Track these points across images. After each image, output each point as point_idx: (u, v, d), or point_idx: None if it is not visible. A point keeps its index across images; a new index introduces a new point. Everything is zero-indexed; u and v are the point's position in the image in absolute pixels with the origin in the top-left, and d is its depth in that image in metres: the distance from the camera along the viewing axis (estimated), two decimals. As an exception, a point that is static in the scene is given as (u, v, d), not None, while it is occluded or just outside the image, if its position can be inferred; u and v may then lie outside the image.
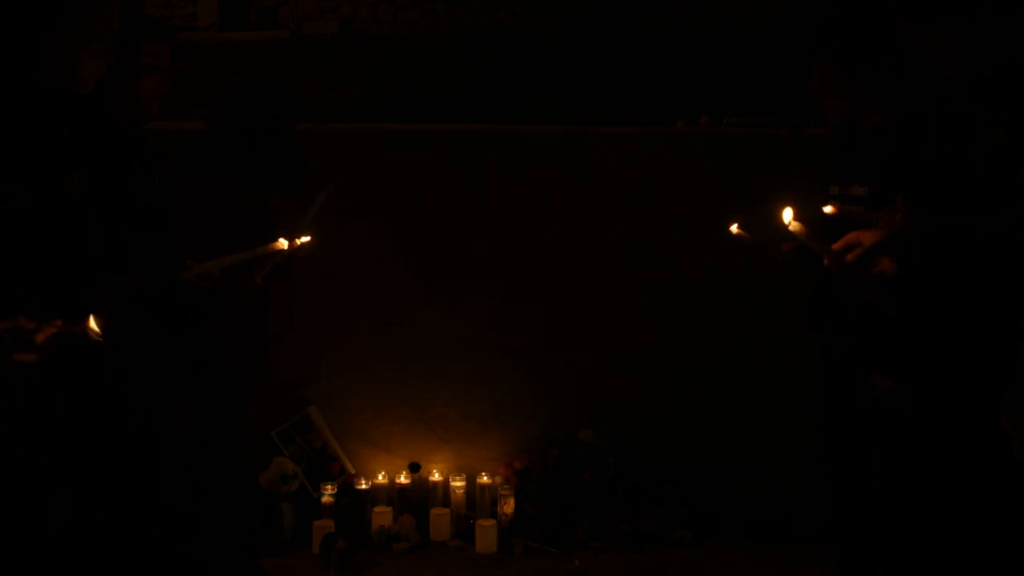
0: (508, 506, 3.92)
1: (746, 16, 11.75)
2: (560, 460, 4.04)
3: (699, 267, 4.10)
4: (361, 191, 4.09)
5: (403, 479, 4.07)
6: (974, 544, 2.24)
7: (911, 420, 2.48)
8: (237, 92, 3.31)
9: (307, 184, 3.30)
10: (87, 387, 2.15)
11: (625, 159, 4.18)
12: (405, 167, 4.11)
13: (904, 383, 2.57)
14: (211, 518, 3.16)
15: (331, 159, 4.09)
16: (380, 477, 4.09)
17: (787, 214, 2.12)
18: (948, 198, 2.27)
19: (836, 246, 2.14)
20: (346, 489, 3.98)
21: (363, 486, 4.01)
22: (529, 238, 4.12)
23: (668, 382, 4.14)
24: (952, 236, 2.14)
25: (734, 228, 2.62)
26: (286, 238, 2.52)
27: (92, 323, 1.80)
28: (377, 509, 3.98)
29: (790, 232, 2.13)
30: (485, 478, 4.05)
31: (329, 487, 3.94)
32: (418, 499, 4.06)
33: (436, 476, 4.10)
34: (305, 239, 2.60)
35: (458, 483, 4.06)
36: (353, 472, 4.09)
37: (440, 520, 3.98)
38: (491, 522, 3.92)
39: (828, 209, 2.53)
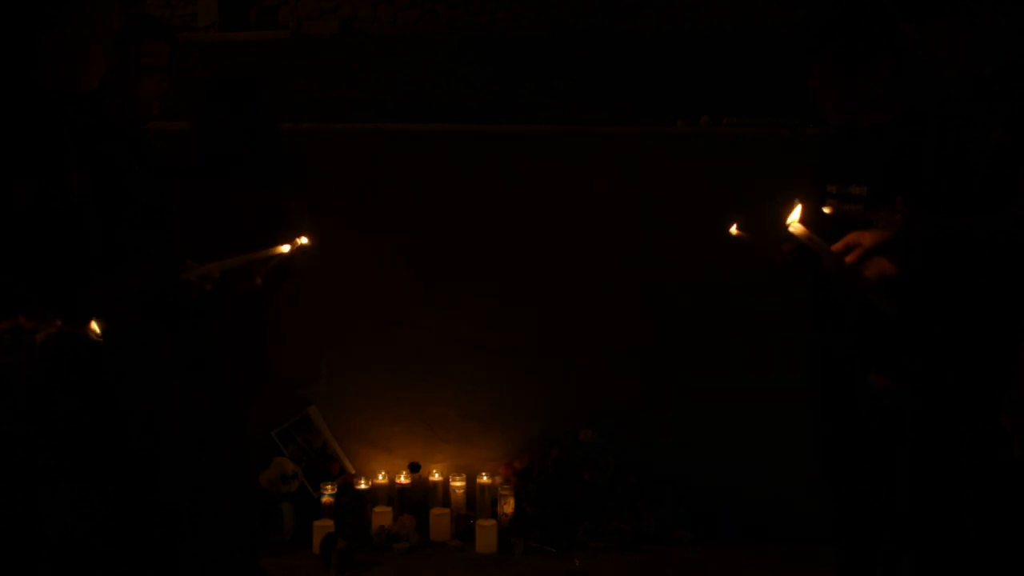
0: (508, 506, 3.92)
1: (746, 16, 11.75)
2: (560, 460, 4.04)
3: (699, 267, 4.09)
4: (361, 191, 4.09)
5: (403, 479, 4.07)
6: (974, 544, 2.24)
7: (911, 420, 2.48)
8: (215, 90, 3.28)
9: (307, 183, 3.30)
10: (87, 387, 2.15)
11: (625, 159, 4.18)
12: (405, 167, 4.11)
13: (904, 383, 2.57)
14: (211, 518, 3.16)
15: (331, 159, 4.09)
16: (380, 477, 4.09)
17: (794, 214, 2.12)
18: (948, 198, 2.27)
19: (836, 247, 2.14)
20: (346, 489, 3.98)
21: (363, 486, 4.01)
22: (529, 238, 4.12)
23: (668, 382, 4.13)
24: (952, 236, 2.14)
25: (733, 229, 2.62)
26: (287, 241, 2.52)
27: (92, 323, 1.80)
28: (377, 509, 3.98)
29: (791, 232, 2.13)
30: (485, 478, 4.05)
31: (329, 487, 3.94)
32: (418, 499, 4.06)
33: (436, 476, 4.10)
34: (304, 241, 2.59)
35: (458, 483, 4.06)
36: (353, 472, 4.09)
37: (440, 520, 3.98)
38: (491, 522, 3.92)
39: (828, 209, 2.53)
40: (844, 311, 2.83)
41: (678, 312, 4.13)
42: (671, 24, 12.08)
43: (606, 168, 4.15)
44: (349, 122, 5.50)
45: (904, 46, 2.62)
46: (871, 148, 2.82)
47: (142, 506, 2.54)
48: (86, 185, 2.11)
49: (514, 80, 9.72)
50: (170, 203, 2.76)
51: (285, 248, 2.52)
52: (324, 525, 3.84)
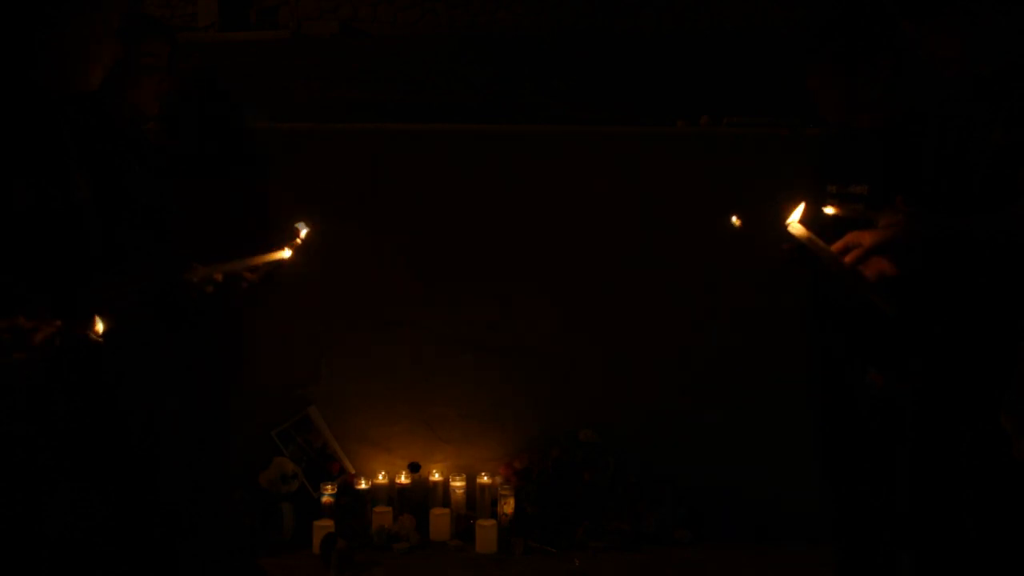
0: (508, 506, 3.92)
1: (746, 16, 11.75)
2: (560, 460, 4.04)
3: (699, 267, 4.10)
4: (361, 191, 4.09)
5: (403, 479, 4.07)
6: (974, 544, 2.24)
7: (911, 420, 2.48)
8: (179, 89, 3.25)
9: (267, 179, 3.26)
10: (87, 387, 2.15)
11: (625, 159, 4.18)
12: (405, 167, 4.11)
13: (904, 383, 2.57)
14: (211, 518, 3.15)
15: (331, 159, 4.10)
16: (380, 477, 4.09)
17: (795, 214, 2.12)
18: (948, 198, 2.27)
19: (835, 246, 2.14)
20: (346, 489, 3.98)
21: (363, 486, 4.01)
22: (529, 238, 4.12)
23: (668, 382, 4.14)
24: (952, 236, 2.14)
25: (735, 220, 2.62)
26: (288, 243, 2.52)
27: (92, 323, 1.80)
28: (377, 509, 3.98)
29: (790, 232, 2.13)
30: (485, 478, 4.05)
31: (329, 487, 3.94)
32: (418, 499, 4.06)
33: (436, 476, 4.10)
34: (303, 232, 2.58)
35: (458, 483, 4.06)
36: (353, 472, 4.09)
37: (440, 520, 3.98)
38: (491, 522, 3.92)
39: (829, 210, 2.53)
40: (844, 311, 2.83)
41: (678, 312, 4.13)
42: (671, 24, 12.08)
43: (606, 168, 4.15)
44: (349, 122, 5.50)
45: (904, 46, 2.62)
46: (871, 148, 2.82)
47: (142, 506, 2.54)
48: (87, 186, 2.11)
49: (514, 80, 9.72)
50: (170, 203, 2.76)
51: (286, 253, 2.52)
52: (324, 525, 3.84)
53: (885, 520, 2.88)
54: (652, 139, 4.33)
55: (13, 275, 1.92)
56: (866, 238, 2.11)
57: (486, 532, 3.89)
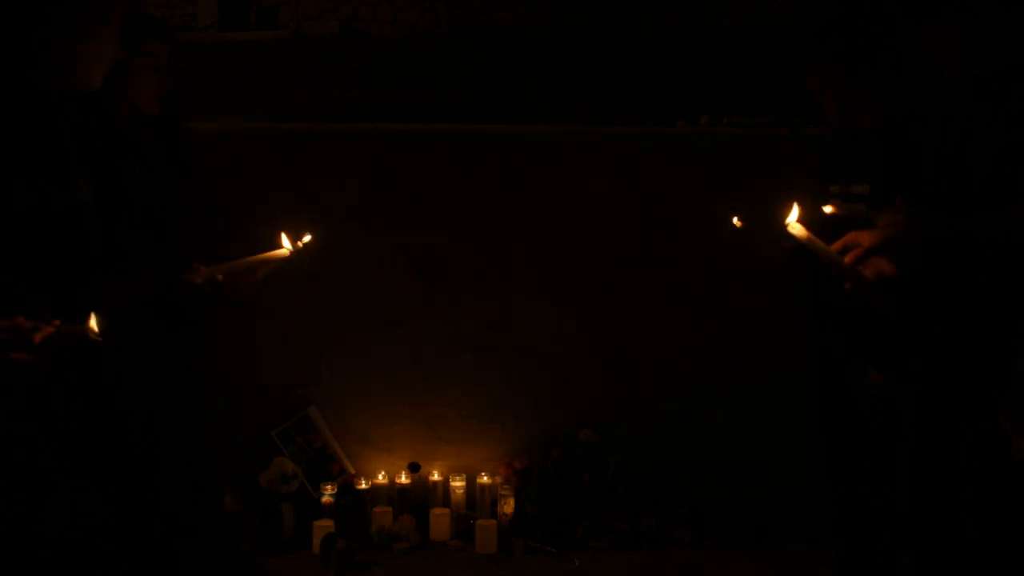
0: (508, 506, 3.92)
1: (746, 16, 11.76)
2: (560, 460, 4.04)
3: (699, 267, 4.10)
4: (361, 191, 4.09)
5: (403, 479, 4.07)
6: (974, 544, 2.24)
7: (911, 420, 2.48)
8: None
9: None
10: (87, 387, 2.15)
11: (625, 159, 4.18)
12: (405, 167, 4.11)
13: (904, 383, 2.57)
14: (211, 518, 3.15)
15: (331, 159, 4.10)
16: (380, 477, 4.09)
17: (792, 214, 2.12)
18: (948, 198, 2.27)
19: (835, 246, 2.14)
20: (346, 489, 3.98)
21: (363, 486, 4.01)
22: (529, 238, 4.12)
23: (668, 382, 4.14)
24: (952, 236, 2.14)
25: (736, 221, 2.62)
26: (290, 243, 2.52)
27: (92, 323, 1.80)
28: (377, 509, 3.98)
29: (790, 233, 2.13)
30: (485, 478, 4.05)
31: (329, 487, 3.94)
32: (418, 499, 4.06)
33: (436, 476, 4.10)
34: (307, 238, 2.59)
35: (458, 483, 4.06)
36: (353, 472, 4.09)
37: (440, 520, 3.98)
38: (491, 522, 3.92)
39: (829, 209, 2.53)
40: (844, 311, 2.83)
41: (678, 312, 4.13)
42: (671, 24, 12.09)
43: (606, 168, 4.15)
44: (349, 122, 5.50)
45: (904, 46, 2.62)
46: (871, 148, 2.82)
47: (142, 506, 2.54)
48: (87, 186, 2.11)
49: (514, 80, 9.73)
50: (170, 203, 2.76)
51: (286, 251, 2.52)
52: (324, 525, 3.84)
53: (885, 520, 2.88)
54: (652, 139, 4.33)
55: (13, 275, 1.92)
56: (866, 238, 2.11)
57: (486, 532, 3.89)
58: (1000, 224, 2.10)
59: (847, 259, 2.11)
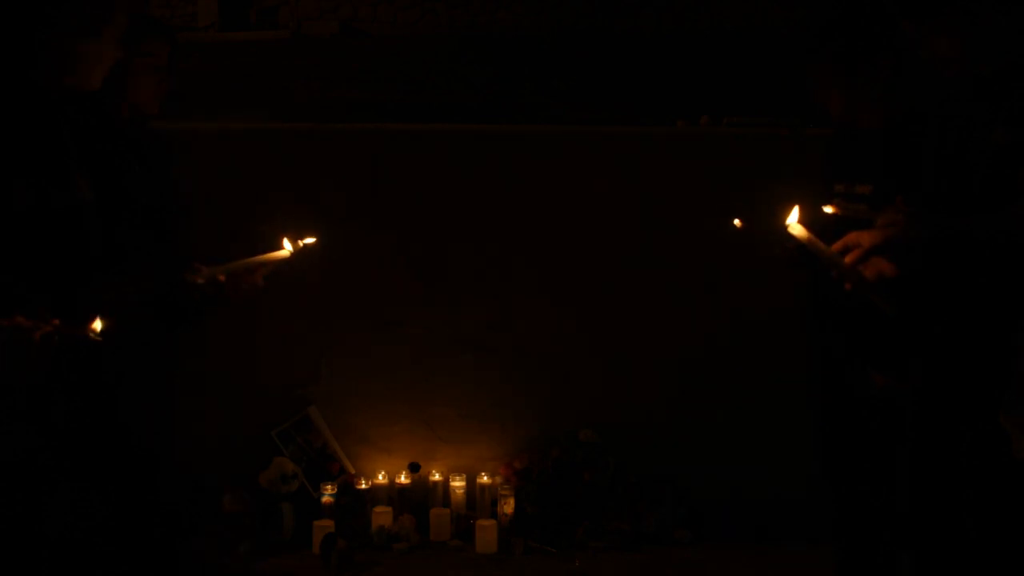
0: (508, 506, 3.92)
1: (746, 16, 11.76)
2: (560, 460, 4.04)
3: (699, 267, 4.10)
4: (361, 191, 4.09)
5: (403, 479, 4.07)
6: (974, 544, 2.24)
7: (911, 420, 2.48)
8: None
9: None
10: (87, 387, 2.15)
11: (625, 159, 4.18)
12: (405, 167, 4.11)
13: (904, 383, 2.57)
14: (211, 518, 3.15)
15: (331, 159, 4.10)
16: (380, 477, 4.09)
17: (792, 216, 2.12)
18: (948, 198, 2.27)
19: (835, 247, 2.14)
20: (346, 489, 3.98)
21: (363, 486, 4.01)
22: (529, 238, 4.12)
23: (668, 382, 4.14)
24: (952, 236, 2.14)
25: (737, 222, 2.62)
26: (291, 245, 2.52)
27: (92, 323, 1.80)
28: (377, 509, 3.98)
29: (790, 233, 2.13)
30: (485, 478, 4.05)
31: (329, 487, 3.94)
32: (418, 499, 4.06)
33: (436, 476, 4.10)
34: (310, 240, 2.59)
35: (458, 483, 4.06)
36: (353, 472, 4.09)
37: (440, 520, 3.98)
38: (491, 522, 3.92)
39: (829, 209, 2.53)
40: (844, 311, 2.82)
41: (678, 312, 4.13)
42: (671, 24, 12.09)
43: (606, 168, 4.15)
44: (349, 122, 5.49)
45: (904, 46, 2.62)
46: (871, 148, 2.82)
47: (142, 506, 2.54)
48: (87, 186, 2.11)
49: (514, 80, 9.74)
50: (170, 203, 2.76)
51: (286, 251, 2.52)
52: (324, 525, 3.84)
53: (885, 520, 2.88)
54: (652, 139, 4.33)
55: (13, 275, 1.92)
56: (865, 238, 2.11)
57: (486, 532, 3.89)
58: (1000, 224, 2.10)
59: (847, 259, 2.11)
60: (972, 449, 2.23)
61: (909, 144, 2.62)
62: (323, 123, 4.55)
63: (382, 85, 9.59)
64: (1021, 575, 2.19)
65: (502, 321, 4.15)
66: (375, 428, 4.16)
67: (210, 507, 3.84)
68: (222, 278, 2.45)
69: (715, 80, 8.26)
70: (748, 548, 3.90)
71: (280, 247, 2.51)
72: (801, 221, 2.11)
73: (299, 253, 2.54)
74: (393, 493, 4.06)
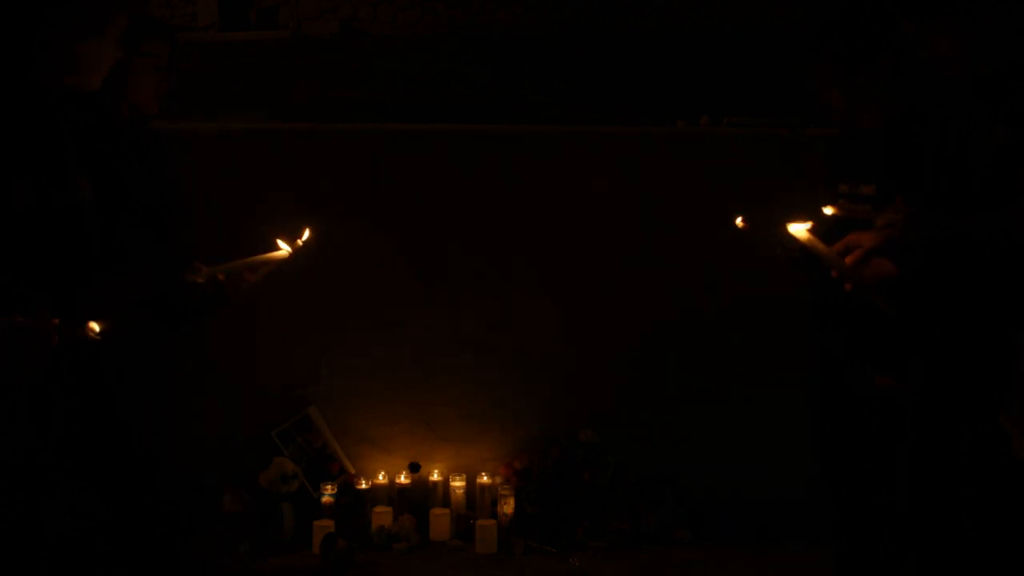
0: (508, 506, 3.92)
1: (746, 16, 11.76)
2: (560, 460, 4.04)
3: (699, 267, 4.10)
4: (361, 191, 4.09)
5: (403, 479, 4.07)
6: (974, 544, 2.24)
7: (911, 420, 2.48)
8: None
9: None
10: (87, 387, 2.15)
11: (625, 159, 4.18)
12: (405, 167, 4.11)
13: (904, 383, 2.57)
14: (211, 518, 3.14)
15: (331, 159, 4.10)
16: (380, 477, 4.09)
17: (793, 228, 2.12)
18: (948, 198, 2.27)
19: (836, 247, 2.14)
20: (346, 489, 3.98)
21: (363, 486, 4.01)
22: (529, 238, 4.12)
23: (668, 382, 4.13)
24: (952, 236, 2.14)
25: (739, 221, 2.62)
26: (287, 243, 2.52)
27: (91, 322, 1.80)
28: (377, 509, 3.98)
29: (791, 235, 2.13)
30: (485, 478, 4.05)
31: (329, 487, 3.94)
32: (418, 499, 4.06)
33: (436, 476, 4.10)
34: (305, 235, 2.59)
35: (458, 483, 4.06)
36: (353, 472, 4.09)
37: (440, 520, 3.98)
38: (491, 522, 3.92)
39: (829, 210, 2.53)
40: (844, 311, 2.82)
41: (678, 312, 4.13)
42: (671, 24, 12.09)
43: (606, 168, 4.15)
44: (349, 122, 5.49)
45: (904, 46, 2.62)
46: (872, 148, 2.82)
47: (142, 506, 2.54)
48: (87, 186, 2.11)
49: (514, 80, 9.74)
50: (170, 203, 2.76)
51: (286, 251, 2.52)
52: (324, 525, 3.84)
53: (885, 520, 2.88)
54: (652, 139, 4.33)
55: (13, 275, 1.92)
56: (866, 239, 2.11)
57: (486, 532, 3.89)
58: (1000, 224, 2.10)
59: (848, 260, 2.11)
60: (972, 449, 2.23)
61: (909, 144, 2.61)
62: (323, 123, 4.55)
63: (382, 85, 9.59)
64: (1021, 575, 2.19)
65: (502, 321, 4.15)
66: (375, 428, 4.16)
67: (210, 507, 3.84)
68: (222, 277, 2.45)
69: (715, 80, 8.26)
70: (748, 548, 3.90)
71: (276, 248, 2.51)
72: (801, 222, 2.11)
73: (299, 252, 2.54)
74: (393, 493, 4.06)
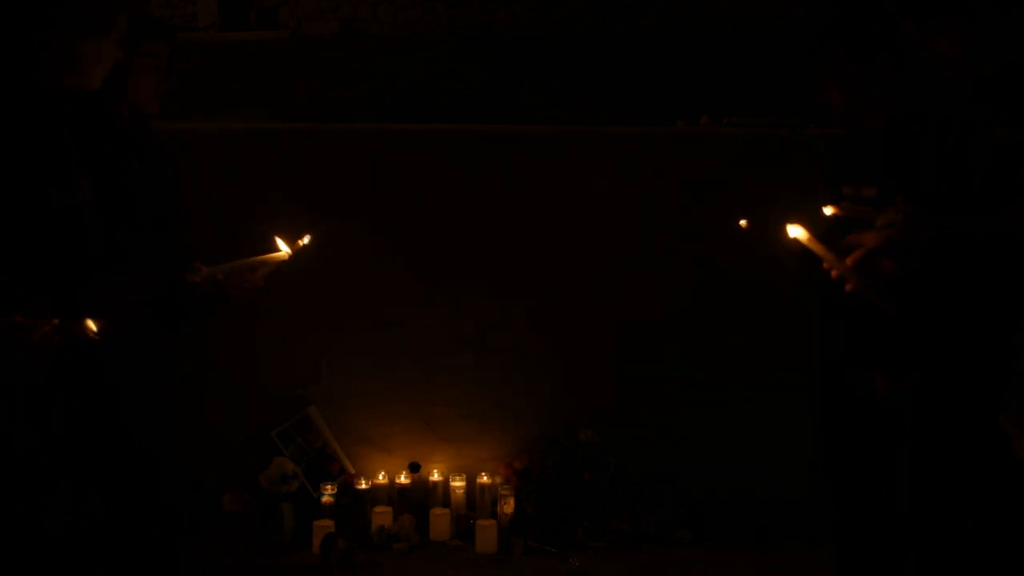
0: (508, 506, 3.92)
1: (746, 16, 11.77)
2: (560, 460, 4.04)
3: (699, 267, 4.10)
4: (361, 191, 4.09)
5: (403, 479, 4.07)
6: (974, 544, 2.24)
7: (911, 420, 2.48)
8: None
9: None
10: (87, 387, 2.15)
11: (625, 159, 4.18)
12: (405, 167, 4.11)
13: (904, 383, 2.57)
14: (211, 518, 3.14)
15: (331, 159, 4.10)
16: (380, 477, 4.09)
17: (792, 230, 2.12)
18: (948, 198, 2.27)
19: (836, 247, 2.14)
20: (346, 489, 3.98)
21: (363, 486, 4.01)
22: (529, 238, 4.12)
23: (669, 382, 4.13)
24: (952, 236, 2.14)
25: (743, 222, 2.62)
26: (286, 243, 2.52)
27: (88, 321, 1.80)
28: (377, 509, 3.98)
29: (791, 236, 2.13)
30: (485, 478, 4.05)
31: (329, 487, 3.94)
32: (418, 499, 4.06)
33: (436, 476, 4.10)
34: (306, 239, 2.59)
35: (458, 483, 4.06)
36: (353, 472, 4.09)
37: (440, 520, 3.98)
38: (491, 522, 3.92)
39: (829, 210, 2.53)
40: (844, 311, 2.82)
41: (678, 312, 4.12)
42: (671, 24, 12.10)
43: (606, 168, 4.15)
44: (349, 122, 5.50)
45: (904, 46, 2.62)
46: (872, 149, 2.82)
47: (142, 506, 2.54)
48: (87, 186, 2.11)
49: (514, 80, 9.74)
50: (170, 203, 2.76)
51: (285, 251, 2.52)
52: (324, 525, 3.84)
53: (885, 520, 2.88)
54: (652, 139, 4.33)
55: (13, 275, 1.92)
56: (866, 239, 2.11)
57: (486, 532, 3.89)
58: (1000, 224, 2.10)
59: (848, 260, 2.11)
60: (972, 449, 2.23)
61: (909, 144, 2.61)
62: (323, 123, 4.55)
63: (382, 85, 9.60)
64: (1021, 575, 2.19)
65: (502, 321, 4.15)
66: (375, 428, 4.16)
67: (210, 507, 3.84)
68: (221, 277, 2.45)
69: (715, 80, 8.26)
70: (748, 548, 3.90)
71: (275, 248, 2.51)
72: (802, 223, 2.11)
73: (298, 253, 2.54)
74: (393, 493, 4.06)
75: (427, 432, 4.17)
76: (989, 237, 2.12)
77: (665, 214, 4.11)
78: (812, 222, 2.17)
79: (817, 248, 2.15)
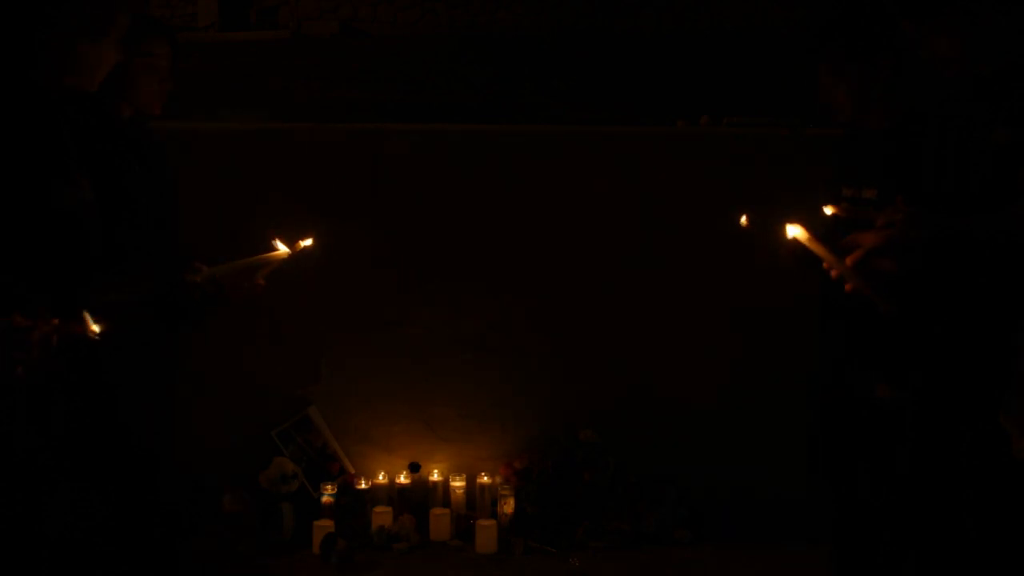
0: (508, 506, 3.92)
1: (746, 16, 11.77)
2: (560, 460, 4.04)
3: (699, 267, 4.10)
4: (361, 191, 4.09)
5: (403, 479, 4.07)
6: (974, 544, 2.24)
7: (911, 420, 2.48)
8: None
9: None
10: (87, 387, 2.15)
11: (625, 159, 4.18)
12: (405, 167, 4.11)
13: (904, 383, 2.57)
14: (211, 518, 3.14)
15: (331, 159, 4.10)
16: (380, 477, 4.09)
17: (792, 230, 2.12)
18: (948, 198, 2.27)
19: (836, 248, 2.14)
20: (346, 489, 3.98)
21: (363, 486, 4.00)
22: (529, 238, 4.12)
23: (668, 382, 4.13)
24: (952, 236, 2.14)
25: (743, 220, 2.61)
26: (285, 246, 2.52)
27: (89, 321, 1.80)
28: (377, 509, 3.98)
29: (791, 236, 2.13)
30: (485, 478, 4.05)
31: (329, 487, 3.94)
32: (418, 499, 4.06)
33: (436, 476, 4.10)
34: (307, 242, 2.59)
35: (458, 483, 4.06)
36: (353, 472, 4.09)
37: (440, 520, 3.98)
38: (491, 522, 3.92)
39: (829, 210, 2.53)
40: (844, 311, 2.82)
41: (678, 312, 4.13)
42: (671, 24, 12.10)
43: (606, 168, 4.15)
44: (349, 122, 5.50)
45: (904, 46, 2.62)
46: (872, 148, 2.82)
47: (142, 506, 2.54)
48: (87, 186, 2.11)
49: (514, 80, 9.74)
50: (170, 203, 2.76)
51: (284, 251, 2.52)
52: (324, 525, 3.84)
53: (885, 520, 2.88)
54: (652, 139, 4.33)
55: (13, 275, 1.92)
56: (866, 239, 2.11)
57: (486, 532, 3.89)
58: (1000, 224, 2.10)
59: (848, 260, 2.11)
60: (972, 449, 2.23)
61: (909, 144, 2.61)
62: (323, 123, 4.55)
63: (382, 85, 9.60)
64: (1021, 575, 2.19)
65: (502, 321, 4.15)
66: (375, 428, 4.16)
67: (210, 507, 3.84)
68: (222, 277, 2.45)
69: (715, 80, 8.27)
70: (748, 548, 3.90)
71: (274, 248, 2.51)
72: (802, 223, 2.11)
73: (299, 253, 2.54)
74: (393, 493, 4.06)
75: (427, 432, 4.17)
76: (989, 237, 2.11)
77: (665, 214, 4.11)
78: (812, 222, 2.17)
79: (817, 248, 2.15)
